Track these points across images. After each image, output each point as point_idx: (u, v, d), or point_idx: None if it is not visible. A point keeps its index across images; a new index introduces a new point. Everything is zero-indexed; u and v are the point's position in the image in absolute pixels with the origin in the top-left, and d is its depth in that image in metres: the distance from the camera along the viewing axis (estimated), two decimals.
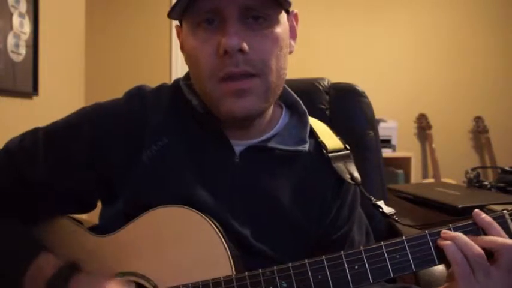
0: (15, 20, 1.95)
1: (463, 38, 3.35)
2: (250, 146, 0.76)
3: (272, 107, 0.80)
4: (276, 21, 0.70)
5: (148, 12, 2.97)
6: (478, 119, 3.29)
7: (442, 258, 0.63)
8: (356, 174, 0.81)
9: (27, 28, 2.05)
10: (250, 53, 0.67)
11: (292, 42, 0.77)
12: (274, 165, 0.77)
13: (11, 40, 1.92)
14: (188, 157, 0.75)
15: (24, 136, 0.77)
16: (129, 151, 0.74)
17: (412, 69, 3.33)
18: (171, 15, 0.71)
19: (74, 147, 0.74)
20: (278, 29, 0.70)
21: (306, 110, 0.83)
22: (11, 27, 1.93)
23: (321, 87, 1.19)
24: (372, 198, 0.81)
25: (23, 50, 2.02)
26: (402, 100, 3.30)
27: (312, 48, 3.24)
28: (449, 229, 0.65)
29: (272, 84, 0.71)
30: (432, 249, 0.64)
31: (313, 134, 0.83)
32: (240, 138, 0.76)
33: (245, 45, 0.66)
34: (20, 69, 2.00)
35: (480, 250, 0.62)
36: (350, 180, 0.80)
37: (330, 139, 0.84)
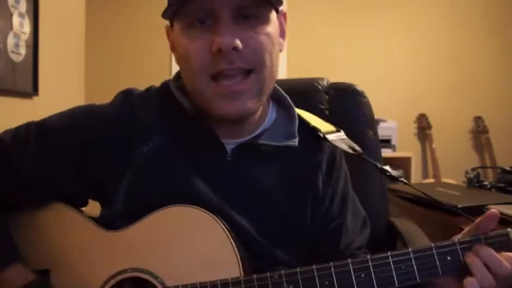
0: (15, 20, 1.95)
1: (463, 38, 3.35)
2: (240, 144, 0.77)
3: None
4: (267, 20, 0.71)
5: (148, 12, 2.97)
6: (478, 119, 3.29)
7: (446, 271, 0.64)
8: (357, 147, 0.84)
9: (27, 28, 2.05)
10: (244, 49, 0.68)
11: (282, 41, 0.78)
12: (265, 160, 0.78)
13: (11, 40, 1.93)
14: (180, 156, 0.76)
15: (18, 129, 0.79)
16: (121, 154, 0.75)
17: (412, 69, 3.33)
18: (165, 15, 0.72)
19: (64, 147, 0.76)
20: (269, 27, 0.71)
21: (293, 105, 0.84)
22: (11, 27, 1.93)
23: (320, 87, 1.19)
24: (378, 164, 0.83)
25: (23, 50, 2.02)
26: (402, 100, 3.30)
27: (312, 48, 3.24)
28: (480, 240, 0.64)
29: (265, 81, 0.72)
30: (437, 262, 0.64)
31: (303, 122, 0.84)
32: (231, 137, 0.77)
33: (239, 43, 0.67)
34: (20, 69, 2.00)
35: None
36: (352, 151, 0.82)
37: (320, 124, 0.85)
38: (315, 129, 0.83)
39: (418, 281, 0.63)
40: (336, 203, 0.83)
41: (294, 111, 0.83)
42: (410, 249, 0.64)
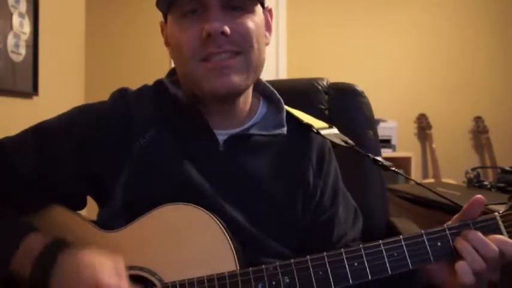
0: (15, 20, 1.95)
1: (463, 38, 3.36)
2: (232, 135, 0.80)
3: (251, 97, 0.84)
4: (253, 11, 0.76)
5: (148, 12, 2.97)
6: (478, 119, 3.30)
7: (437, 257, 0.65)
8: (350, 141, 0.87)
9: (27, 28, 2.05)
10: (232, 34, 0.72)
11: (268, 35, 0.82)
12: (256, 151, 0.81)
13: (11, 40, 1.93)
14: (175, 147, 0.78)
15: (17, 135, 0.80)
16: (118, 148, 0.77)
17: (412, 69, 3.33)
18: (159, 5, 0.77)
19: (63, 146, 0.77)
20: (255, 17, 0.76)
21: (281, 98, 0.87)
22: (11, 27, 1.93)
23: (320, 87, 1.19)
24: (370, 155, 0.85)
25: (23, 50, 2.02)
26: (402, 100, 3.30)
27: (312, 48, 3.24)
28: (469, 225, 0.66)
29: (253, 62, 0.76)
30: (428, 248, 0.65)
31: (294, 119, 0.87)
32: (223, 128, 0.80)
33: (227, 28, 0.72)
34: (20, 69, 2.00)
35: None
36: (344, 144, 0.85)
37: (313, 121, 0.88)
38: (307, 125, 0.86)
39: (411, 267, 0.65)
40: (327, 196, 0.85)
41: (282, 104, 0.87)
42: (401, 237, 0.66)
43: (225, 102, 0.78)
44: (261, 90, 0.88)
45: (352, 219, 0.87)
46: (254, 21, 0.75)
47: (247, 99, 0.83)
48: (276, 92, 0.88)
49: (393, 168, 0.84)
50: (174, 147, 0.78)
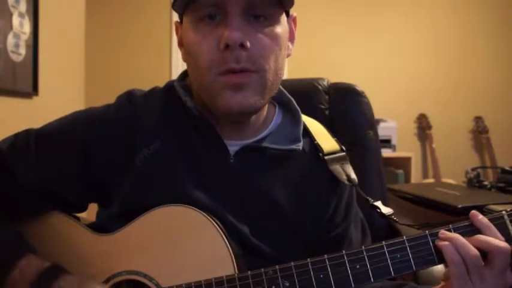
0: (15, 20, 1.95)
1: (463, 39, 3.36)
2: (244, 146, 0.76)
3: (266, 106, 0.80)
4: (277, 21, 0.71)
5: (148, 13, 2.97)
6: (478, 119, 3.30)
7: (442, 258, 0.63)
8: (353, 176, 0.81)
9: (27, 28, 2.05)
10: (251, 49, 0.67)
11: (290, 45, 0.78)
12: (269, 164, 0.77)
13: (11, 40, 1.92)
14: (183, 158, 0.75)
15: (16, 137, 0.78)
16: (121, 156, 0.74)
17: (412, 69, 3.33)
18: (174, 7, 0.72)
19: (65, 152, 0.75)
20: (278, 29, 0.71)
21: (299, 109, 0.83)
22: (11, 27, 1.93)
23: (320, 87, 1.19)
24: (370, 199, 0.81)
25: (23, 50, 2.02)
26: (402, 100, 3.31)
27: (313, 48, 3.24)
28: (449, 230, 0.65)
29: (268, 82, 0.71)
30: (432, 249, 0.64)
31: (308, 134, 0.83)
32: (235, 139, 0.76)
33: (247, 41, 0.67)
34: (20, 69, 2.00)
35: (476, 251, 0.62)
36: (347, 182, 0.80)
37: (326, 141, 0.83)
38: (317, 147, 0.82)
39: (414, 269, 0.63)
40: (340, 212, 0.81)
41: (300, 115, 0.82)
42: (405, 238, 0.64)
43: (237, 119, 0.75)
44: (278, 97, 0.83)
45: (361, 237, 0.85)
46: (276, 34, 0.70)
47: (261, 112, 0.79)
48: (293, 101, 0.84)
49: (393, 217, 0.79)
50: (179, 160, 0.74)
